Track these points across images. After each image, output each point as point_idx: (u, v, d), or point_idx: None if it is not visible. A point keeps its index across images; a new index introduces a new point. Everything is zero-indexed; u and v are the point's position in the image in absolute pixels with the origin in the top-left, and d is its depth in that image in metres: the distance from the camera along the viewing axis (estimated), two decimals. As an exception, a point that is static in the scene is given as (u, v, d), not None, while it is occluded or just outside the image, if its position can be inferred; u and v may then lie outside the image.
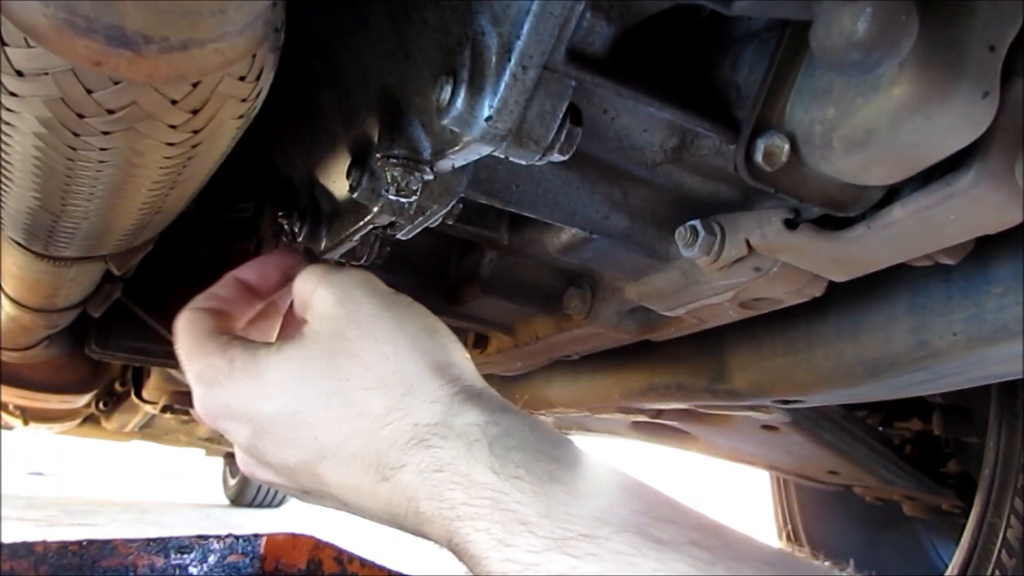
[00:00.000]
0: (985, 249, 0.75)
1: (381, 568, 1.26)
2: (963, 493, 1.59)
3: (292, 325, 0.80)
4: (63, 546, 1.09)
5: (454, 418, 0.54)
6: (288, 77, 0.72)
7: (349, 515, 0.64)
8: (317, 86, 0.73)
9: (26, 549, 1.05)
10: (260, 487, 4.76)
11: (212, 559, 1.22)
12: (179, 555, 1.19)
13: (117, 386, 2.55)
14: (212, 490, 5.32)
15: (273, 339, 0.81)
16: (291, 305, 0.78)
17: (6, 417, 2.79)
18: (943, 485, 1.64)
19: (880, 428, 1.73)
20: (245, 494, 4.82)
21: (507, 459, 0.50)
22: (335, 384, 0.59)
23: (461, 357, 0.62)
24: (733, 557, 0.44)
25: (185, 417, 2.65)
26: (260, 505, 4.84)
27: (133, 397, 2.36)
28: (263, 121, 0.80)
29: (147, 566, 1.16)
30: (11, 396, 2.17)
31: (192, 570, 1.20)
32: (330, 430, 0.58)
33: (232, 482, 4.96)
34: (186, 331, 0.67)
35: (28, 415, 2.72)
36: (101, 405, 2.61)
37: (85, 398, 2.31)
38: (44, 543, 1.07)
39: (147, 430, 3.28)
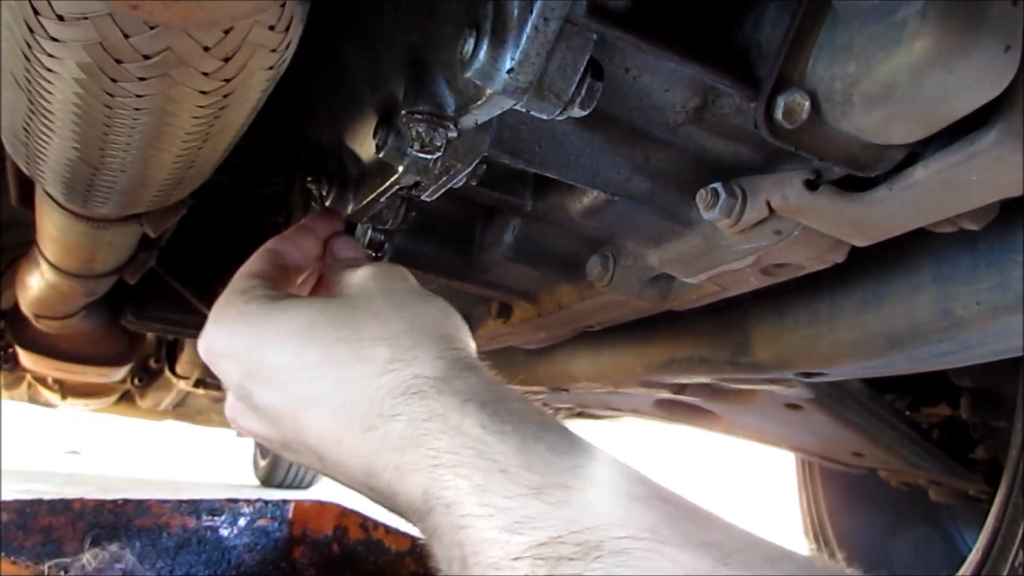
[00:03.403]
0: (1011, 216, 0.75)
1: (406, 535, 1.28)
2: (991, 479, 1.57)
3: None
4: (99, 504, 1.12)
5: (453, 378, 0.55)
6: (317, 39, 0.74)
7: (322, 474, 0.64)
8: (345, 48, 0.74)
9: (64, 506, 1.09)
10: (290, 468, 4.83)
11: (242, 522, 1.26)
12: (210, 517, 1.23)
13: (152, 362, 2.62)
14: (242, 471, 5.42)
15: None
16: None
17: (45, 393, 2.87)
18: (971, 471, 1.62)
19: (908, 413, 1.71)
20: (275, 475, 4.90)
21: (496, 418, 0.52)
22: (345, 332, 0.60)
23: (469, 340, 0.64)
24: (698, 512, 0.46)
25: (217, 394, 2.70)
26: (289, 486, 4.92)
27: (167, 372, 2.42)
28: (294, 85, 0.83)
29: (179, 526, 1.20)
30: (50, 368, 2.23)
31: (223, 532, 1.24)
32: (327, 373, 0.58)
33: (262, 463, 5.05)
34: (242, 268, 0.70)
35: (66, 389, 2.80)
36: (136, 381, 2.68)
37: (121, 372, 2.37)
38: (81, 500, 1.11)
39: (180, 409, 3.35)
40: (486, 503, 0.47)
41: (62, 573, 0.63)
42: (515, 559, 0.45)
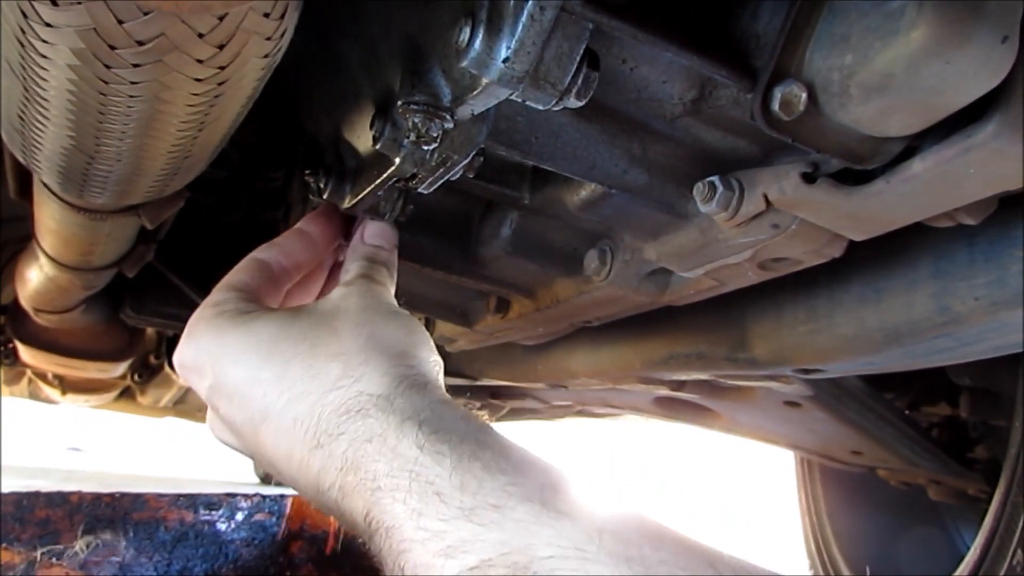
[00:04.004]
0: (1009, 211, 0.74)
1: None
2: (990, 478, 1.57)
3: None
4: (97, 497, 1.13)
5: (397, 396, 0.56)
6: (315, 31, 0.74)
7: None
8: (343, 39, 0.74)
9: (62, 499, 1.09)
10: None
11: (239, 516, 1.26)
12: (207, 511, 1.23)
13: (152, 359, 2.62)
14: (243, 470, 5.42)
15: (312, 297, 0.82)
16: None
17: (45, 389, 2.87)
18: (970, 470, 1.62)
19: (907, 411, 1.71)
20: (275, 472, 4.90)
21: (434, 438, 0.52)
22: (302, 348, 0.61)
23: (428, 357, 0.64)
24: (624, 526, 0.47)
25: (217, 390, 2.70)
26: (289, 484, 4.93)
27: (166, 367, 2.42)
28: (292, 78, 0.82)
29: (176, 520, 1.20)
30: (49, 364, 2.23)
31: (220, 526, 1.24)
32: (281, 390, 0.59)
33: (262, 460, 5.05)
34: (224, 278, 0.71)
35: (66, 385, 2.80)
36: (136, 377, 2.68)
37: (121, 367, 2.37)
38: (79, 493, 1.11)
39: (180, 406, 3.35)
40: (422, 527, 0.48)
41: (54, 559, 0.63)
42: None
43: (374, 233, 0.77)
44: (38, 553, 0.59)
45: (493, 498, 0.48)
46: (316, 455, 0.56)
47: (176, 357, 0.68)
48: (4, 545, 0.58)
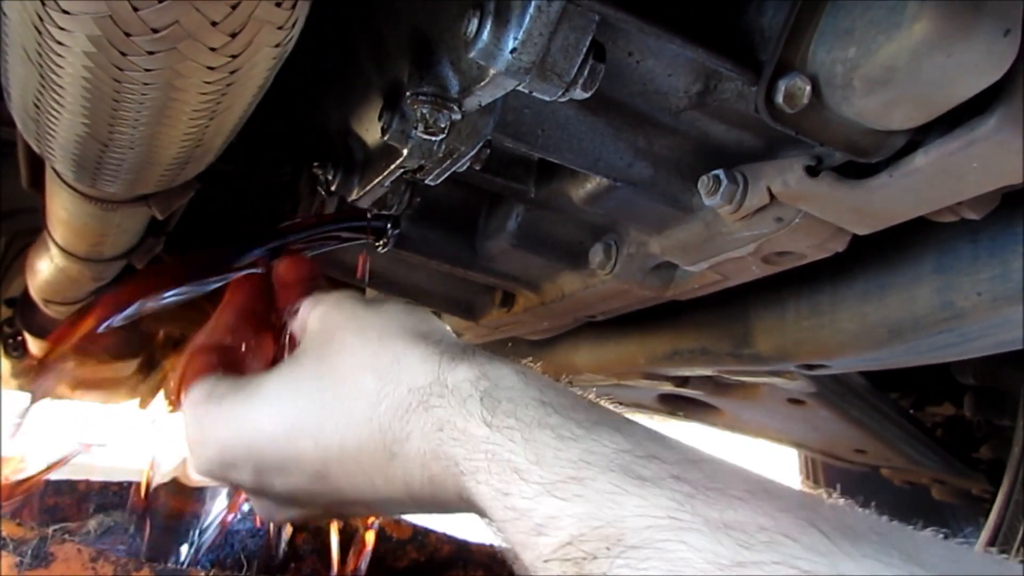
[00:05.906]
0: (1013, 207, 0.75)
1: (407, 524, 1.29)
2: (994, 478, 1.57)
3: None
4: (105, 486, 1.14)
5: (446, 376, 0.54)
6: (324, 24, 0.75)
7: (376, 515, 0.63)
8: (352, 32, 0.75)
9: (70, 487, 1.11)
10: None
11: (245, 507, 1.27)
12: (213, 502, 1.24)
13: (161, 355, 2.63)
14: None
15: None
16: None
17: (54, 384, 2.88)
18: (974, 470, 1.62)
19: (911, 411, 1.71)
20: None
21: (498, 410, 0.51)
22: (325, 381, 0.59)
23: (440, 326, 0.62)
24: (714, 488, 0.44)
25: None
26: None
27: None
28: (301, 70, 0.83)
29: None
30: (58, 358, 2.24)
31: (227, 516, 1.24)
32: (328, 430, 0.57)
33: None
34: (184, 378, 0.68)
35: (76, 381, 2.81)
36: (146, 373, 2.69)
37: (131, 364, 2.38)
38: (87, 482, 1.13)
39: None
40: (509, 507, 0.47)
41: (66, 536, 0.64)
42: (545, 561, 0.44)
43: (287, 268, 0.74)
44: (50, 529, 0.61)
45: (572, 470, 0.46)
46: (395, 465, 0.55)
47: (197, 470, 0.64)
48: (16, 521, 0.60)
